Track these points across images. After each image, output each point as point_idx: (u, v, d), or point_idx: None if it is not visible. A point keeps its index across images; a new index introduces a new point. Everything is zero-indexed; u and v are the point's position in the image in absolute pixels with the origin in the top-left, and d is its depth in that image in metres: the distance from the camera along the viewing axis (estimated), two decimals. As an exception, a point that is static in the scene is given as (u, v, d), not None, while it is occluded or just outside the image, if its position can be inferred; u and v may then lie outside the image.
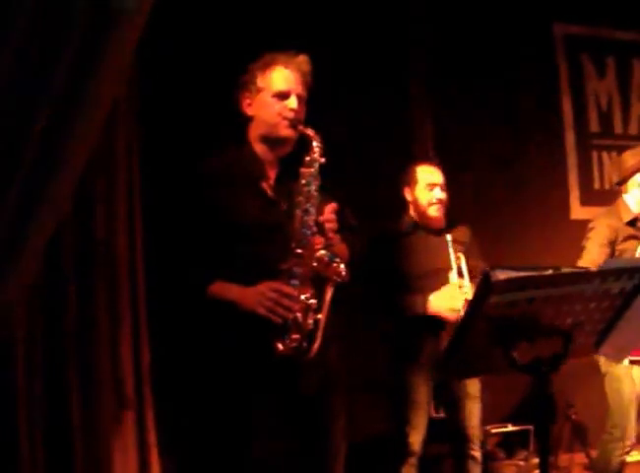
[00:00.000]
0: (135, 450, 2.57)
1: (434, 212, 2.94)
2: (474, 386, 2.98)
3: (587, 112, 4.55)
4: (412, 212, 3.02)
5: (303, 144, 2.05)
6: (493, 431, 3.73)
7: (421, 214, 2.98)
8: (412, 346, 2.91)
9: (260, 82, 2.05)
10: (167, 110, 3.07)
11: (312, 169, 2.00)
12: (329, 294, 1.96)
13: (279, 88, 2.04)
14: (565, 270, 1.59)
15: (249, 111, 2.09)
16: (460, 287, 2.80)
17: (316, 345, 1.93)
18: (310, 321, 1.94)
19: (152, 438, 2.63)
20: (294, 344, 1.91)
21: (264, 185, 2.09)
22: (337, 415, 2.09)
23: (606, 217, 3.24)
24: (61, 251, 2.43)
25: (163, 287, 2.10)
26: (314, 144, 2.01)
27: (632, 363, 3.04)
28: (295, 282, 1.94)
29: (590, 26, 4.61)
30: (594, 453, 4.05)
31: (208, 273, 1.96)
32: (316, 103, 2.14)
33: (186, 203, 2.03)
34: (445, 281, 2.84)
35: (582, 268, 1.56)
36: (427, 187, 2.95)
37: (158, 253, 2.11)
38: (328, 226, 1.97)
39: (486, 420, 3.76)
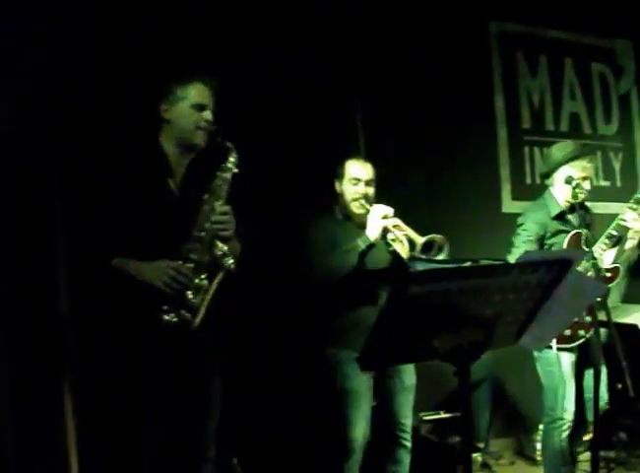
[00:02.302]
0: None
1: (356, 209, 2.97)
2: (410, 378, 2.98)
3: (519, 109, 4.67)
4: (341, 206, 3.04)
5: (211, 152, 2.36)
6: (426, 418, 3.81)
7: (347, 208, 3.01)
8: (345, 330, 2.86)
9: (180, 93, 2.34)
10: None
11: (226, 175, 2.33)
12: (217, 279, 2.28)
13: (197, 100, 2.34)
14: (483, 263, 1.65)
15: (166, 116, 2.35)
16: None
17: (198, 319, 2.23)
18: (197, 299, 2.24)
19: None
20: (179, 317, 2.21)
21: (170, 182, 2.36)
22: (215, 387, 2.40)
23: (533, 212, 3.29)
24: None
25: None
26: (232, 155, 2.33)
27: (559, 350, 3.18)
28: (191, 265, 2.24)
29: (524, 24, 4.73)
30: (524, 438, 4.22)
31: (115, 249, 2.22)
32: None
33: (102, 190, 2.26)
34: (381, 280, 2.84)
35: (500, 261, 1.62)
36: (352, 181, 2.98)
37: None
38: (219, 226, 2.30)
39: (420, 407, 3.88)
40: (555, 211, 3.24)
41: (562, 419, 3.21)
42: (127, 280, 2.21)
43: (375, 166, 3.06)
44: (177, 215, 2.28)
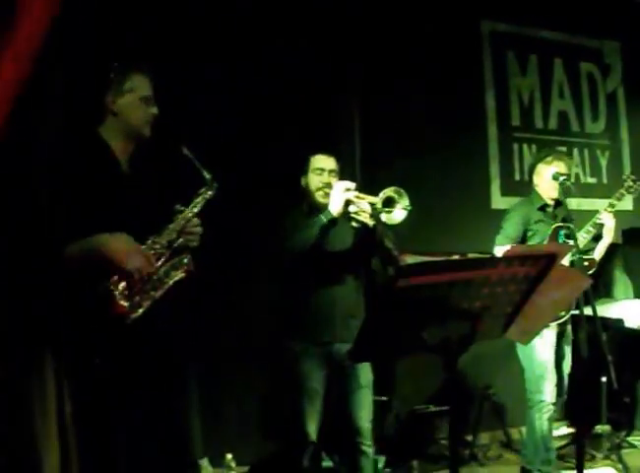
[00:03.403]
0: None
1: (321, 198, 2.98)
2: (365, 376, 2.89)
3: (509, 107, 4.75)
4: (307, 199, 3.06)
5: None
6: (416, 412, 3.86)
7: (313, 200, 3.03)
8: (304, 321, 2.87)
9: (128, 84, 2.34)
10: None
11: (206, 197, 2.41)
12: (173, 281, 2.30)
13: (146, 93, 2.36)
14: (471, 256, 1.69)
15: (114, 108, 2.34)
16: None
17: (136, 315, 2.20)
18: (148, 296, 2.24)
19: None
20: (130, 304, 2.18)
21: (118, 173, 2.36)
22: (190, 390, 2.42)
23: (521, 204, 3.63)
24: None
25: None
26: (213, 188, 2.41)
27: None
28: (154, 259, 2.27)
29: (515, 24, 4.79)
30: (513, 431, 4.28)
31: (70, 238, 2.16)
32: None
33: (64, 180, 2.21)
34: (342, 266, 2.89)
35: (488, 254, 1.66)
36: (316, 172, 3.02)
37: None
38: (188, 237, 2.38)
39: (412, 401, 3.95)
40: (539, 203, 3.55)
41: (543, 401, 3.34)
42: (82, 265, 2.15)
43: (370, 165, 3.11)
44: (132, 205, 2.29)
